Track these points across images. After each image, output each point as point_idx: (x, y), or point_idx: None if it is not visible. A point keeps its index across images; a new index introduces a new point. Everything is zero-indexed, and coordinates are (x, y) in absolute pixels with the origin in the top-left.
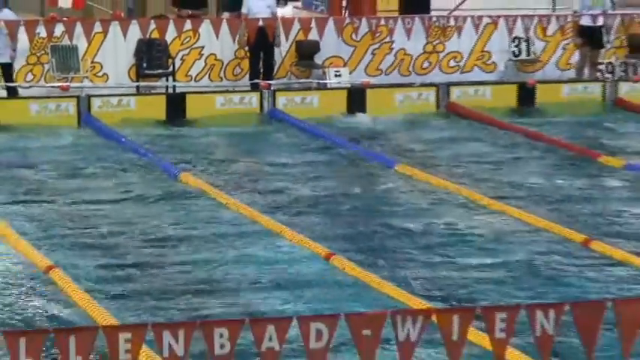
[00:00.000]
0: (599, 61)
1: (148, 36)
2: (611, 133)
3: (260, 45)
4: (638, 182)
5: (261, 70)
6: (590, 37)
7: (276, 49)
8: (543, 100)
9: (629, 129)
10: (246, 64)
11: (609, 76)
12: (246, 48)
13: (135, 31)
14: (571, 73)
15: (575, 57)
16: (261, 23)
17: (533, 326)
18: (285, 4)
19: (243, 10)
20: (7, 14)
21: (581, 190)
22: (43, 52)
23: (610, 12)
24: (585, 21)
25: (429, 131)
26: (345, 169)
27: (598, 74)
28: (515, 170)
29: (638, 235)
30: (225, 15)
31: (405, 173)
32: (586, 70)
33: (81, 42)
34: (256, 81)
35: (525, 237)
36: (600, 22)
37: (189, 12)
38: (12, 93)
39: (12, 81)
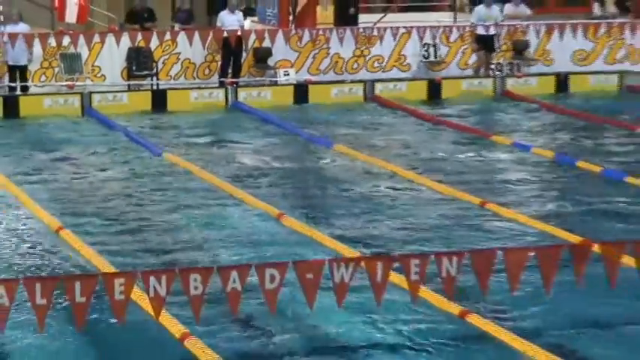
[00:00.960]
0: (491, 62)
1: (136, 45)
2: (500, 118)
3: (230, 51)
4: (523, 157)
5: (230, 71)
6: (485, 44)
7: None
8: (447, 93)
9: (514, 114)
10: (213, 66)
11: (498, 73)
12: (219, 53)
13: (126, 41)
14: (469, 72)
15: (473, 59)
16: (225, 34)
17: (440, 270)
18: (245, 18)
19: (218, 23)
20: (23, 27)
21: (478, 163)
22: (53, 58)
23: (500, 23)
24: (480, 31)
25: (358, 118)
26: (292, 148)
27: (490, 72)
28: (426, 148)
29: (523, 198)
30: (177, 27)
31: (341, 152)
32: (482, 70)
33: (84, 50)
34: (222, 79)
35: (435, 201)
36: (492, 31)
37: (138, 26)
38: (24, 90)
39: (26, 81)
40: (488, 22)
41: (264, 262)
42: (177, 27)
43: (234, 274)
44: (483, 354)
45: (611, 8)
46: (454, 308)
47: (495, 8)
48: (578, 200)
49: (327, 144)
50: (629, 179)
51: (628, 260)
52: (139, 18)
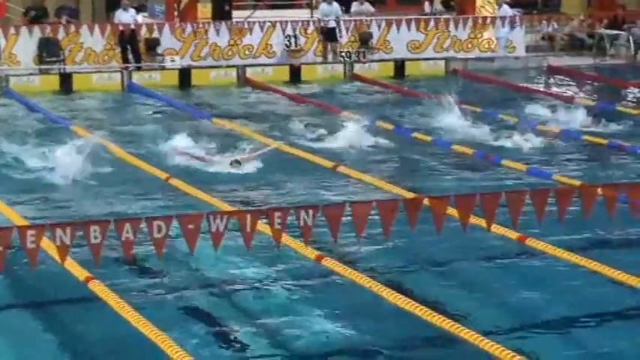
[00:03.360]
0: (341, 50)
1: (46, 35)
2: (349, 97)
3: (127, 41)
4: (369, 128)
5: (130, 57)
6: (328, 35)
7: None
8: (306, 76)
9: (360, 94)
10: (111, 53)
11: (347, 59)
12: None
13: (37, 32)
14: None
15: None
16: (120, 28)
17: (299, 220)
18: (137, 14)
19: (115, 20)
20: None
21: (328, 132)
22: None
23: (343, 18)
24: (325, 24)
25: (232, 97)
26: (175, 118)
27: (340, 58)
28: (288, 120)
29: (368, 162)
30: (63, 20)
31: (218, 123)
32: (329, 56)
33: (2, 40)
34: (120, 65)
35: (290, 162)
36: (333, 24)
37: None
38: None
39: None
40: (329, 17)
41: (153, 215)
42: (63, 20)
43: (127, 225)
44: (336, 290)
45: (439, 6)
46: (311, 253)
47: (335, 5)
48: (413, 161)
49: (207, 117)
50: (454, 147)
51: (452, 211)
52: (35, 15)
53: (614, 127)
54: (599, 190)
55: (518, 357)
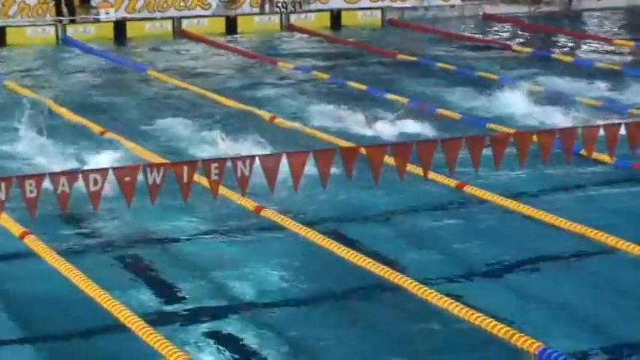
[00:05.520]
0: (277, 0)
1: None
2: (285, 47)
3: None
4: (304, 77)
5: (64, 10)
6: None
7: None
8: (242, 27)
9: (297, 44)
10: (45, 6)
11: (284, 10)
12: None
13: None
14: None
15: None
16: None
17: (236, 170)
18: None
19: None
20: None
21: (269, 82)
22: None
23: None
24: None
25: (169, 50)
26: (112, 73)
27: (276, 9)
28: (224, 67)
29: (302, 110)
30: None
31: (153, 75)
32: (266, 7)
33: None
34: (53, 18)
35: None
36: None
37: None
38: None
39: None
40: None
41: (88, 168)
42: None
43: (62, 179)
44: (275, 241)
45: None
46: (249, 204)
47: None
48: (349, 109)
49: (142, 69)
50: (388, 95)
51: (388, 159)
52: None
53: (550, 74)
54: (534, 137)
55: (455, 304)
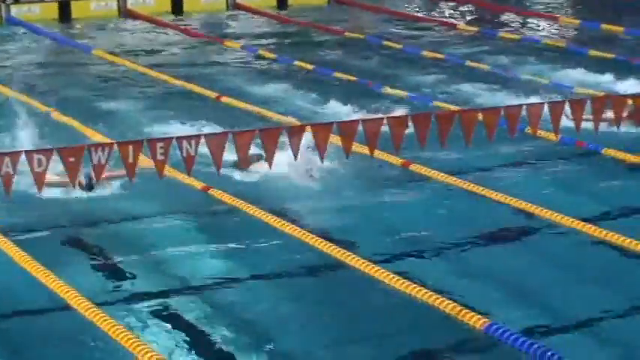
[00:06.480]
0: None
1: None
2: (231, 27)
3: None
4: (251, 57)
5: None
6: None
7: None
8: (188, 7)
9: (243, 23)
10: None
11: None
12: None
13: None
14: None
15: None
16: None
17: (181, 150)
18: None
19: None
20: None
21: (215, 61)
22: None
23: None
24: None
25: (113, 29)
26: (58, 53)
27: None
28: (170, 46)
29: (243, 87)
30: None
31: (99, 54)
32: None
33: None
34: None
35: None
36: None
37: None
38: None
39: None
40: None
41: (33, 149)
42: None
43: (7, 159)
44: (229, 221)
45: None
46: (197, 183)
47: None
48: (295, 88)
49: (88, 49)
50: (336, 74)
51: (336, 139)
52: None
53: (496, 53)
54: (480, 115)
55: (402, 280)
